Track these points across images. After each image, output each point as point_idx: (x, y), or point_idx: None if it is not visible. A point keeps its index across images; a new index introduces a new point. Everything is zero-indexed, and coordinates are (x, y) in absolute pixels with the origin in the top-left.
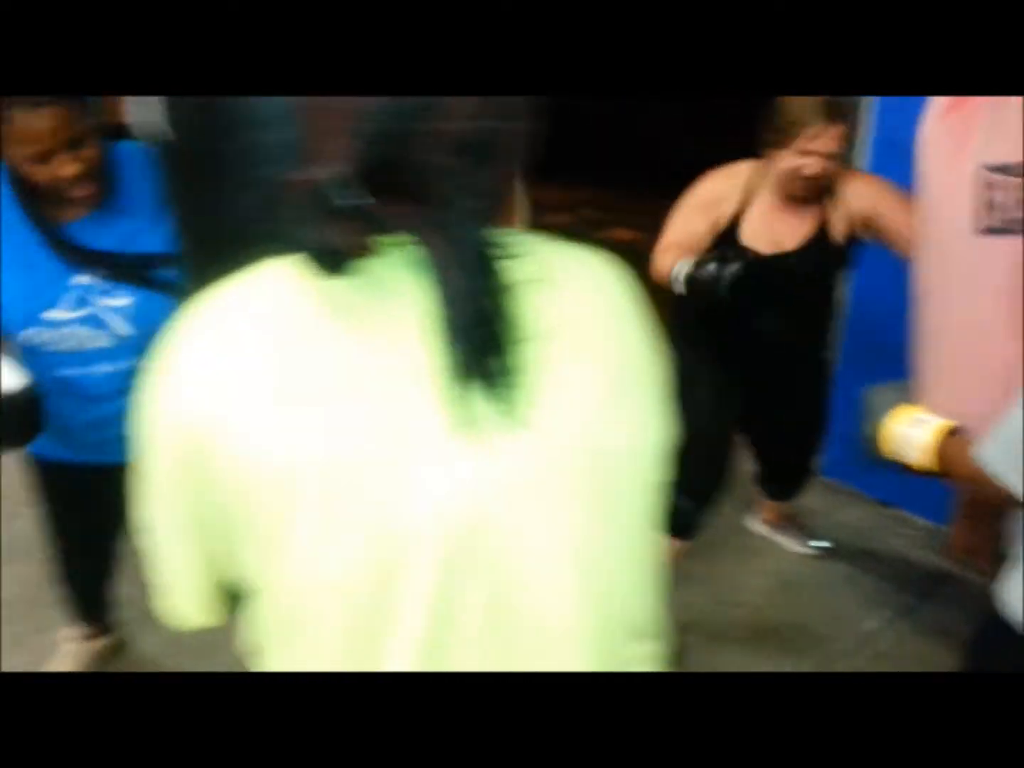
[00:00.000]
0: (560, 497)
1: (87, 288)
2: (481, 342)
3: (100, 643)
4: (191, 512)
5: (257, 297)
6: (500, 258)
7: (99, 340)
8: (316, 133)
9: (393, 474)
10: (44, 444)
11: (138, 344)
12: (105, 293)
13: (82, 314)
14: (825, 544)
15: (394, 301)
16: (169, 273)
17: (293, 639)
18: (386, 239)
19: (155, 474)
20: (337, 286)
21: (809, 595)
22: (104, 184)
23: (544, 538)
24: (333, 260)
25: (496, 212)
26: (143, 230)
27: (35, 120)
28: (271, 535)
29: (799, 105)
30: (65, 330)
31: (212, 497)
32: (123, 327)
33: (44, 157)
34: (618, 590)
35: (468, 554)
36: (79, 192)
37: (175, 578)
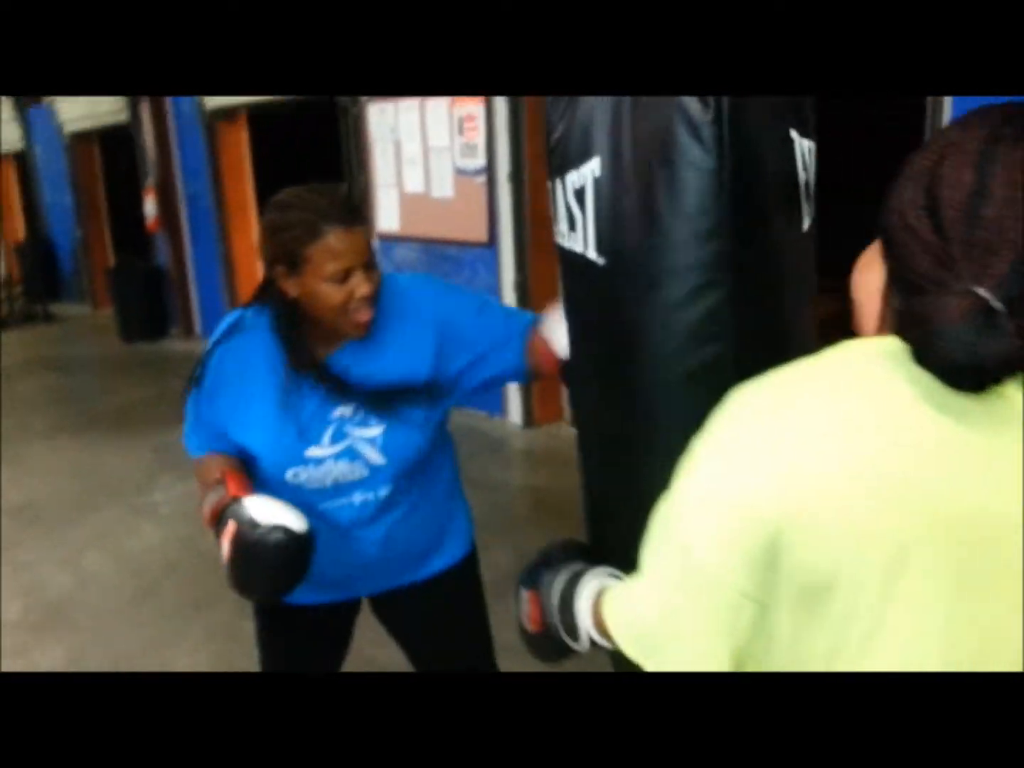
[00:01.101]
0: None
1: (344, 420)
2: None
3: None
4: (740, 598)
5: (842, 381)
6: None
7: (354, 473)
8: (974, 255)
9: (983, 553)
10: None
11: (387, 473)
12: (360, 424)
13: (340, 448)
14: None
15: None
16: (415, 401)
17: None
18: None
19: (708, 568)
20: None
21: None
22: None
23: None
24: (977, 375)
25: None
26: (394, 359)
27: (350, 238)
28: (853, 614)
29: None
30: (324, 466)
31: (779, 583)
32: (376, 457)
33: (345, 277)
34: None
35: None
36: (363, 316)
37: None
